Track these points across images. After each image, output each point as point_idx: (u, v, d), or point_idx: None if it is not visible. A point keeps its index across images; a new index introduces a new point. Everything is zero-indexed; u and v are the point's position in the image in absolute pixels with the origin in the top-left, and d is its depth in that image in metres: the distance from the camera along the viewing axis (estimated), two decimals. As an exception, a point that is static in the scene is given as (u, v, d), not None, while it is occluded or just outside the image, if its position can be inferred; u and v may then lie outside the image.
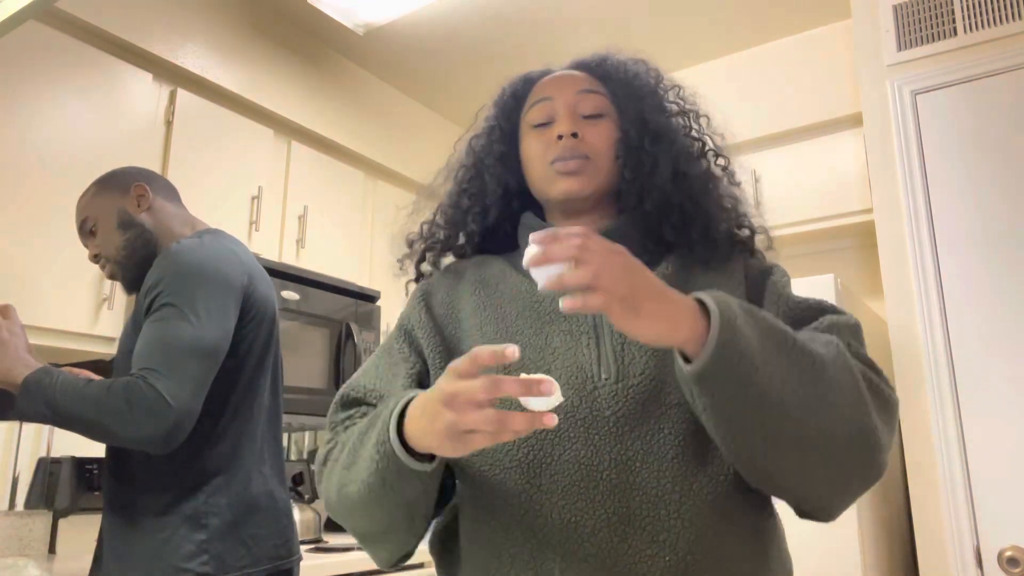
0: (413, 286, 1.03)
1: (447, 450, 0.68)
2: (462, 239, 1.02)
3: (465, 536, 0.85)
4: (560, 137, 0.92)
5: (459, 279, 0.97)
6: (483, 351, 0.65)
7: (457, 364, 0.66)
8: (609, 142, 0.93)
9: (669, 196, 0.91)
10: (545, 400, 0.64)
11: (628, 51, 1.04)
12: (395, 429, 0.74)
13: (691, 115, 1.00)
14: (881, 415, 0.76)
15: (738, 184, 0.98)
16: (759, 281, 0.91)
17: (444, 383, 0.67)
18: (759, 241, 0.97)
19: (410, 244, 1.05)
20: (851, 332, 0.83)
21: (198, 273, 1.36)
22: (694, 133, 0.99)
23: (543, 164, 0.93)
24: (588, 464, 0.78)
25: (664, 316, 0.67)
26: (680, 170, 0.92)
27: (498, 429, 0.63)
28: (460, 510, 0.87)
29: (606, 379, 0.81)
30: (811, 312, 0.86)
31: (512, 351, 0.64)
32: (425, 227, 1.04)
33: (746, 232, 0.96)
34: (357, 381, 0.93)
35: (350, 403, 0.92)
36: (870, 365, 0.81)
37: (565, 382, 0.81)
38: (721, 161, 0.99)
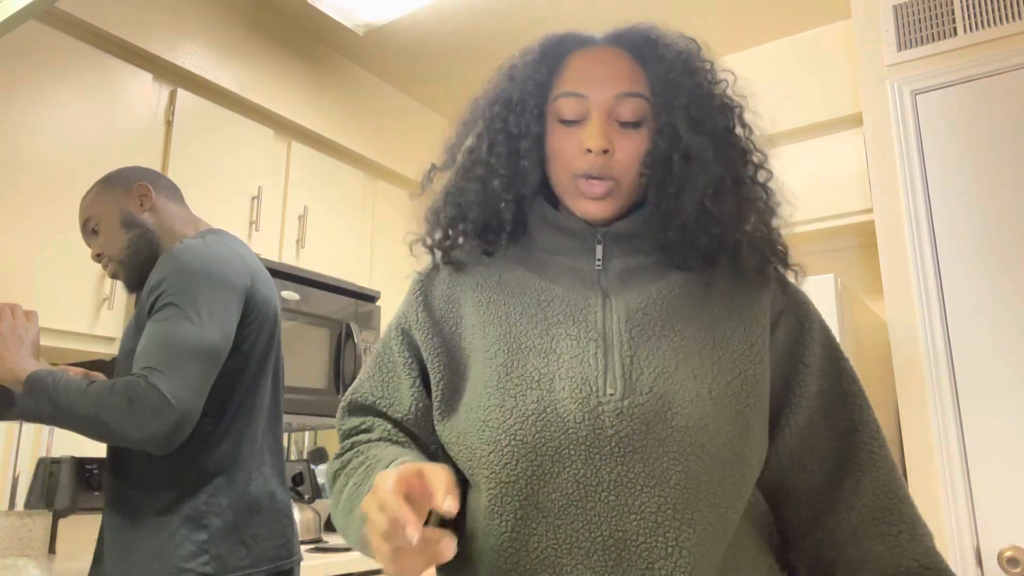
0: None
1: None
2: (488, 234, 0.90)
3: (459, 552, 0.81)
4: (588, 150, 0.82)
5: (461, 269, 0.90)
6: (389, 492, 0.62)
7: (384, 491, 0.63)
8: (639, 155, 0.84)
9: (692, 230, 0.84)
10: None
11: (675, 27, 0.91)
12: None
13: (736, 114, 0.88)
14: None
15: (779, 204, 0.89)
16: (795, 335, 0.86)
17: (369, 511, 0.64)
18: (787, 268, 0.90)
19: (432, 222, 0.91)
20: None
21: (201, 273, 1.36)
22: (736, 139, 0.87)
23: (567, 172, 0.85)
24: (587, 484, 0.74)
25: None
26: (708, 202, 0.83)
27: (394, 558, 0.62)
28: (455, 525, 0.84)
29: (611, 395, 0.76)
30: (853, 414, 0.85)
31: (450, 507, 0.61)
32: (442, 215, 0.91)
33: (778, 265, 0.89)
34: (362, 386, 0.91)
35: (357, 409, 0.91)
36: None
37: (569, 395, 0.77)
38: (762, 176, 0.88)
